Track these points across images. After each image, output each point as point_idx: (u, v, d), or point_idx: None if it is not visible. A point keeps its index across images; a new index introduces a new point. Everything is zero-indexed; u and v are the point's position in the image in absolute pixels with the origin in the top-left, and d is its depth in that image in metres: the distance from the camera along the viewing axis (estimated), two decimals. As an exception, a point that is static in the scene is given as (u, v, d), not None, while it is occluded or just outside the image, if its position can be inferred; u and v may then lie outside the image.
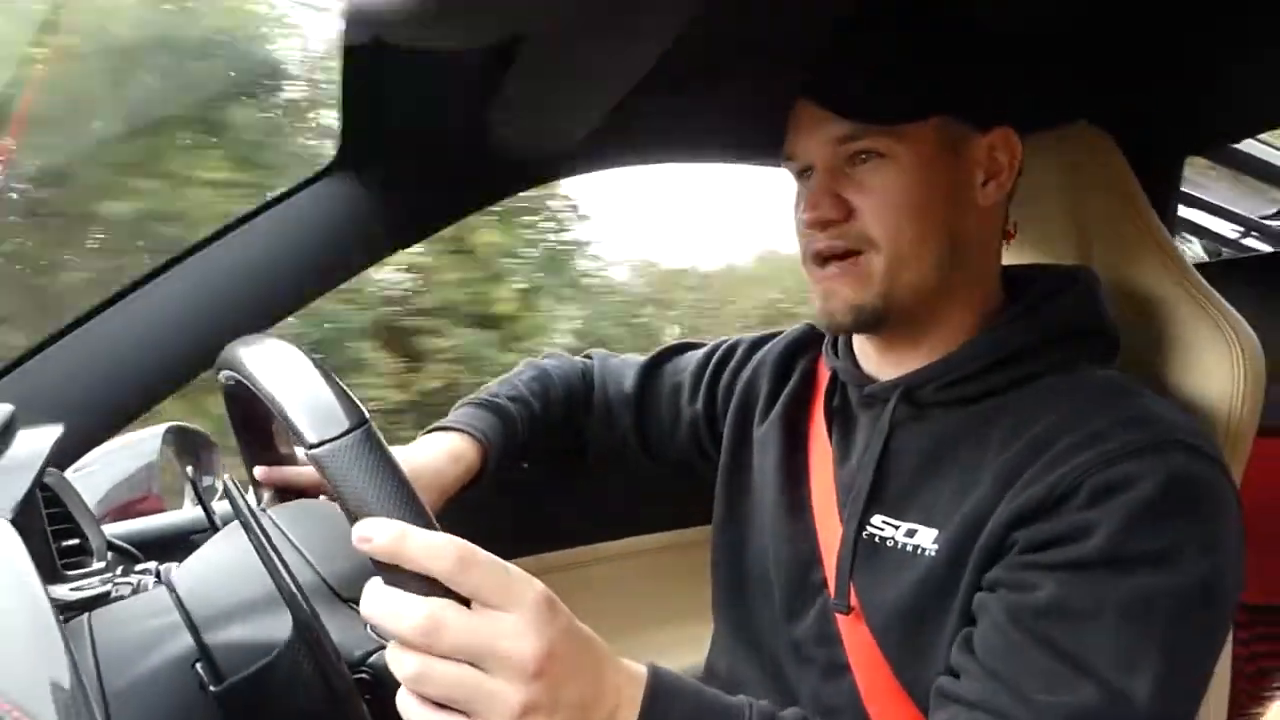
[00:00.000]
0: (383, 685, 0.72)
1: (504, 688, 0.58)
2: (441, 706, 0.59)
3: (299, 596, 0.70)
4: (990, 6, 0.94)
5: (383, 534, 0.56)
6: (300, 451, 0.83)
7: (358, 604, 0.60)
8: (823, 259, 0.91)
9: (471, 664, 0.58)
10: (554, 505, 1.51)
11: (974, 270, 0.93)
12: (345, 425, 0.60)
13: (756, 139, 0.99)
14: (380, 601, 0.58)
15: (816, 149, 0.91)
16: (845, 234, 0.89)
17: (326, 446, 0.60)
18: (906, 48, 0.90)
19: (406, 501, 0.59)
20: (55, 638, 0.52)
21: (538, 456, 1.28)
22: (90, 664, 0.72)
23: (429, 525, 0.58)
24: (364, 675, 0.75)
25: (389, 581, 0.58)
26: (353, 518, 0.58)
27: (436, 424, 1.16)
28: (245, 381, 0.69)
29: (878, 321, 0.92)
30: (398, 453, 0.86)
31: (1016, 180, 0.94)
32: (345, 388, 0.64)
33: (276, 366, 0.67)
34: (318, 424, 0.61)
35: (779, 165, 0.98)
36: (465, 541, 0.58)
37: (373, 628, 0.76)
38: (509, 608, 0.59)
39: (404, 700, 0.60)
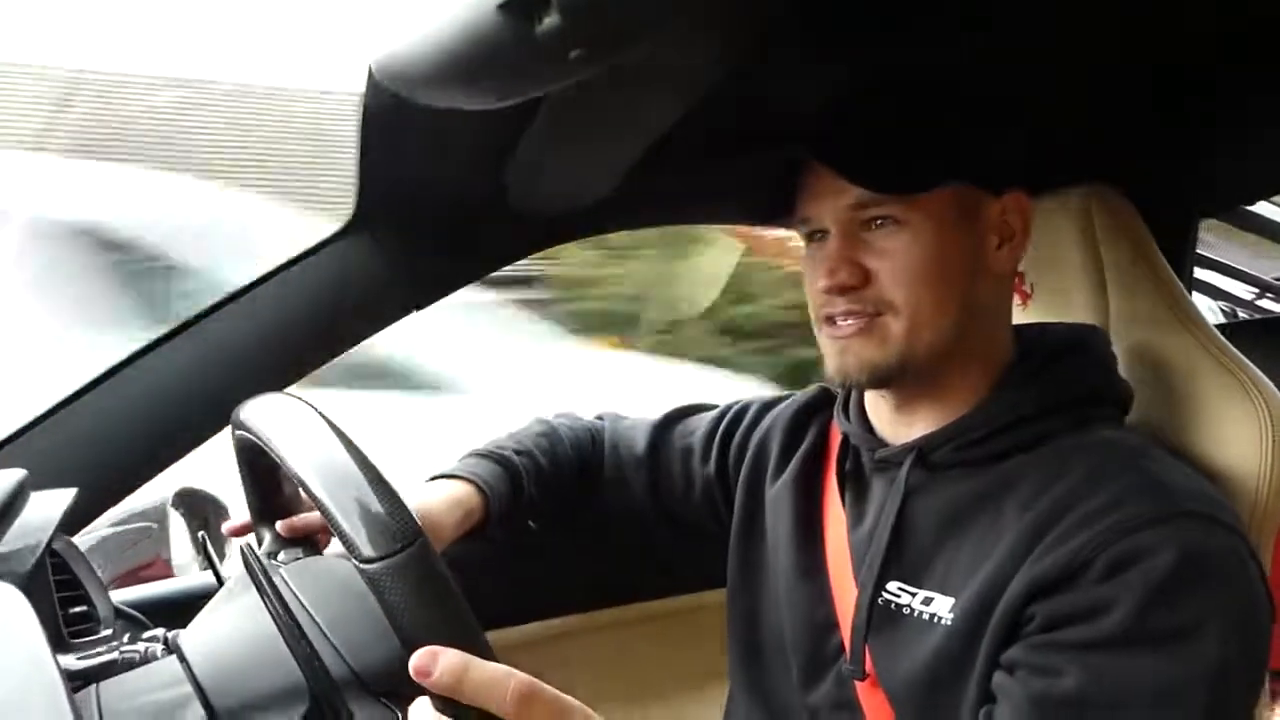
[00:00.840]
0: None
1: None
2: None
3: (332, 688, 0.67)
4: (1000, 73, 0.95)
5: (443, 667, 0.54)
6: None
7: (389, 698, 0.57)
8: (834, 320, 0.91)
9: None
10: (565, 569, 1.49)
11: (986, 333, 0.93)
12: (402, 541, 0.58)
13: (770, 201, 0.99)
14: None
15: (831, 213, 0.91)
16: (863, 299, 0.89)
17: (381, 564, 0.57)
18: (921, 115, 0.90)
19: (464, 628, 0.57)
20: (66, 713, 0.50)
21: (546, 518, 1.27)
22: None
23: (484, 649, 0.57)
24: None
25: (440, 709, 0.56)
26: (407, 641, 0.56)
27: (438, 473, 1.14)
28: (292, 476, 0.66)
29: (892, 380, 0.92)
30: None
31: (1027, 242, 0.94)
32: (397, 493, 0.62)
33: (325, 463, 0.65)
34: (372, 537, 0.59)
35: (791, 227, 0.98)
36: (526, 676, 0.56)
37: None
38: None
39: None
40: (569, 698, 0.57)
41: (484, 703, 0.54)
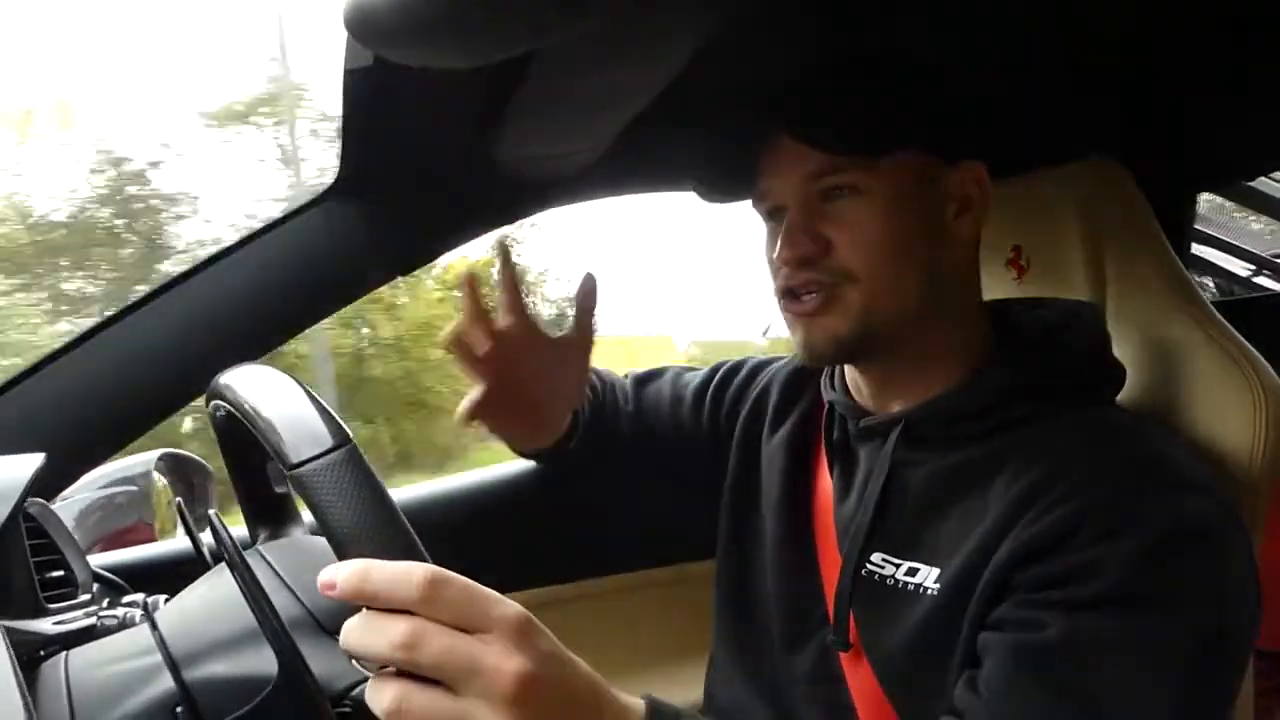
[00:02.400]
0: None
1: (485, 713, 0.55)
2: None
3: (279, 628, 0.67)
4: (988, 42, 0.93)
5: (344, 576, 0.54)
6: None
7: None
8: (795, 294, 0.91)
9: (451, 692, 0.55)
10: (550, 539, 1.49)
11: (955, 303, 0.93)
12: (327, 445, 0.59)
13: (733, 177, 0.99)
14: (358, 627, 0.56)
15: (789, 187, 0.91)
16: (822, 269, 0.89)
17: (307, 466, 0.58)
18: (879, 82, 0.90)
19: (389, 522, 0.57)
20: (10, 686, 0.49)
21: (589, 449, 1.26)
22: (64, 707, 0.69)
23: (411, 547, 0.57)
24: (345, 710, 0.73)
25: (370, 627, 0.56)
26: (334, 540, 0.56)
27: None
28: (230, 405, 0.67)
29: (858, 352, 0.92)
30: None
31: (986, 214, 0.94)
32: (329, 409, 0.62)
33: (259, 389, 0.66)
34: (298, 443, 0.59)
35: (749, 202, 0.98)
36: (434, 566, 0.56)
37: (354, 659, 0.74)
38: (487, 629, 0.56)
39: None
40: (485, 589, 0.57)
41: (391, 600, 0.54)
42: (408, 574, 0.55)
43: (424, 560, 0.56)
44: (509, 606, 0.58)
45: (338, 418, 0.61)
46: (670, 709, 0.67)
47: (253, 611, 0.69)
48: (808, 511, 1.03)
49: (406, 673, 0.55)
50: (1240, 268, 2.32)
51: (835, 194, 0.89)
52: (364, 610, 0.56)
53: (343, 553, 0.56)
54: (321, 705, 0.68)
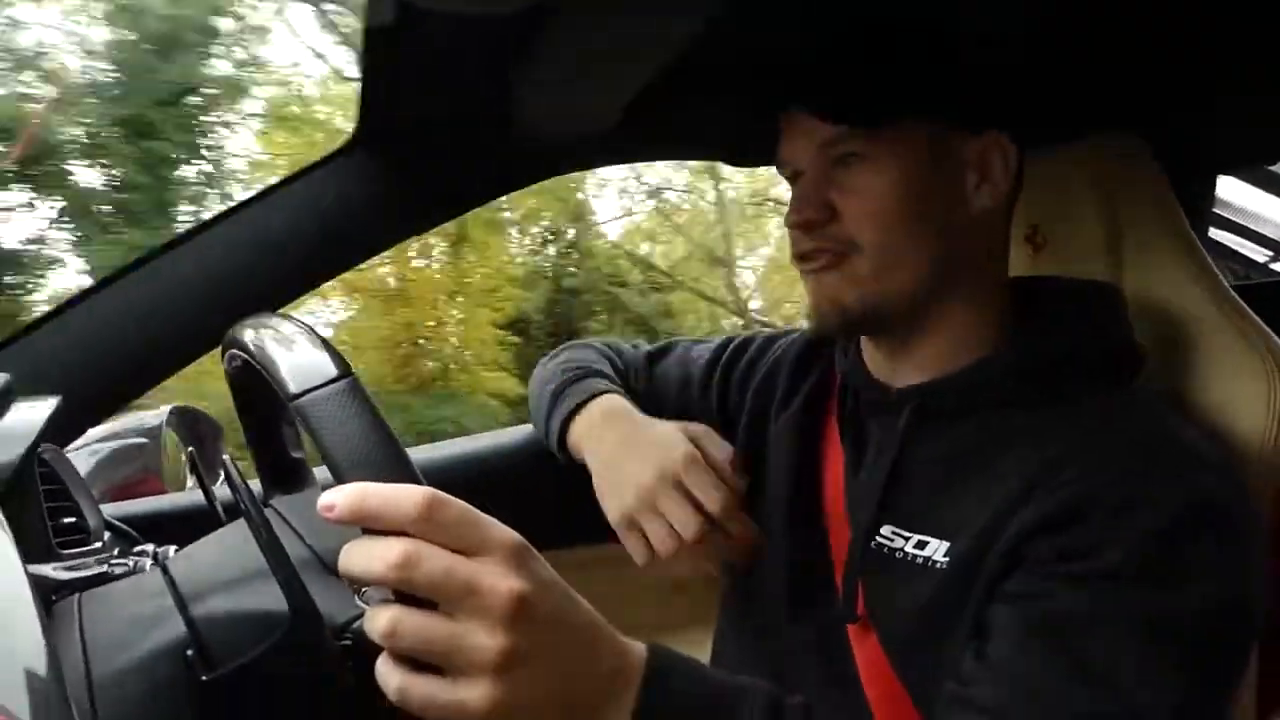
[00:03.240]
0: (364, 652, 0.70)
1: (480, 633, 0.56)
2: (419, 670, 0.57)
3: (289, 573, 0.69)
4: (1011, 11, 0.92)
5: (343, 497, 0.55)
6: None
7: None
8: (806, 258, 0.91)
9: (448, 613, 0.56)
10: (554, 504, 1.48)
11: (974, 277, 0.92)
12: (328, 376, 0.60)
13: (762, 142, 0.99)
14: (355, 549, 0.57)
15: (804, 154, 0.91)
16: (829, 235, 0.89)
17: (308, 397, 0.59)
18: (888, 50, 0.90)
19: (388, 449, 0.58)
20: (34, 624, 0.49)
21: None
22: (77, 648, 0.70)
23: (412, 476, 0.57)
24: (347, 642, 0.74)
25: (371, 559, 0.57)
26: (335, 468, 0.57)
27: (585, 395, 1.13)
28: (239, 351, 0.68)
29: (867, 324, 0.92)
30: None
31: (1018, 188, 0.93)
32: (330, 343, 0.63)
33: (266, 330, 0.67)
34: (300, 375, 0.60)
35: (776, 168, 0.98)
36: (432, 489, 0.56)
37: (357, 590, 0.76)
38: (483, 552, 0.57)
39: (382, 666, 0.58)
40: (481, 513, 0.58)
41: (389, 519, 0.55)
42: (406, 494, 0.56)
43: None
44: (506, 531, 0.59)
45: (339, 352, 0.63)
46: (672, 653, 0.67)
47: (260, 548, 0.70)
48: (817, 484, 1.02)
49: (403, 598, 0.56)
50: (1258, 253, 2.30)
51: (846, 161, 0.88)
52: (361, 534, 0.57)
53: (342, 480, 0.57)
54: (326, 639, 0.70)
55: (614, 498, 1.00)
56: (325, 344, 0.63)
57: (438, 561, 0.55)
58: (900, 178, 0.87)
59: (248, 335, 0.68)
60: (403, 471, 0.57)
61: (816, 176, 0.90)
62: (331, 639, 0.70)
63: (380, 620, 0.56)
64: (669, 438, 1.00)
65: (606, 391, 1.13)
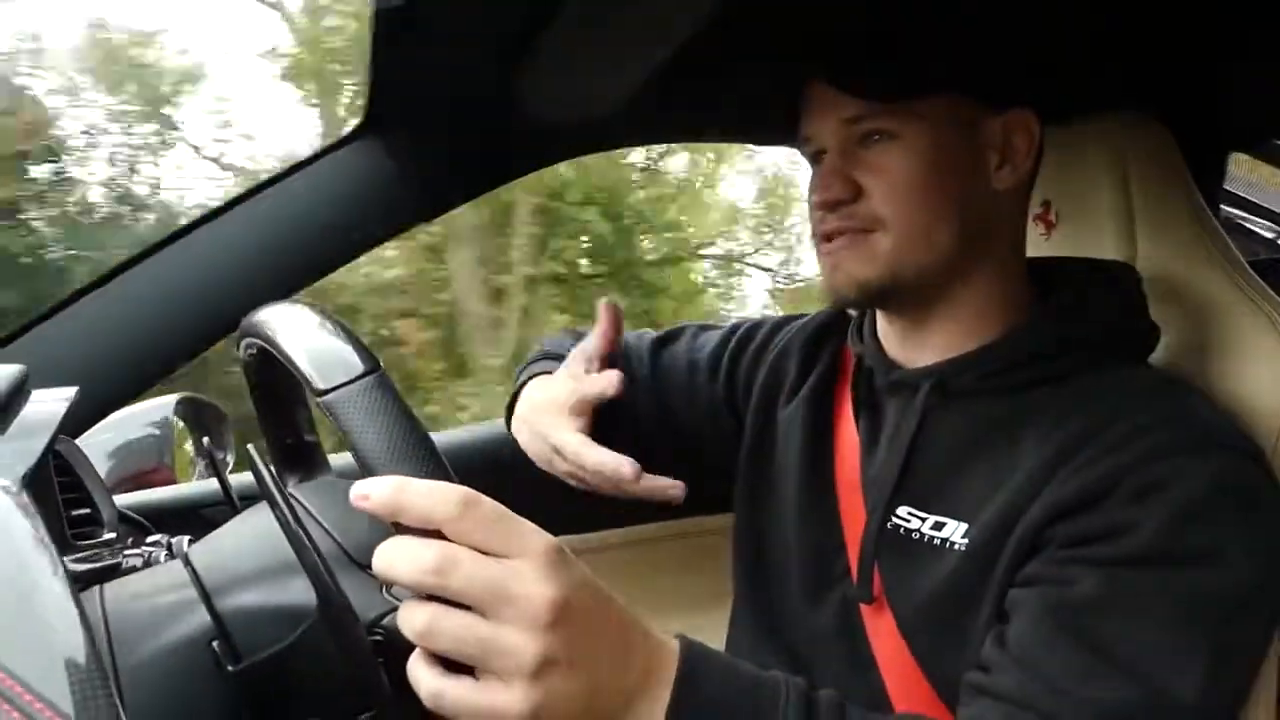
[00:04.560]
0: (395, 648, 0.69)
1: (517, 638, 0.55)
2: (453, 670, 0.57)
3: (318, 559, 0.68)
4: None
5: (379, 488, 0.55)
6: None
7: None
8: (829, 238, 0.91)
9: (483, 616, 0.56)
10: (568, 490, 1.48)
11: (993, 255, 0.91)
12: (357, 371, 0.59)
13: (777, 122, 0.99)
14: (390, 550, 0.56)
15: (827, 131, 0.90)
16: (854, 214, 0.88)
17: (336, 393, 0.58)
18: (914, 25, 0.89)
19: (420, 445, 0.57)
20: (72, 615, 0.49)
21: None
22: (103, 639, 0.70)
23: (444, 473, 0.57)
24: (378, 637, 0.74)
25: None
26: (365, 464, 0.56)
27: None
28: (260, 340, 0.67)
29: (884, 299, 0.91)
30: None
31: (1037, 165, 0.92)
32: (358, 337, 0.63)
33: (289, 321, 0.66)
34: (327, 370, 0.59)
35: (797, 147, 0.98)
36: (469, 489, 0.56)
37: (385, 586, 0.75)
38: (518, 554, 0.56)
39: (415, 666, 0.58)
40: (517, 515, 0.58)
41: (424, 516, 0.54)
42: (443, 492, 0.55)
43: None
44: (540, 533, 0.58)
45: (366, 345, 0.62)
46: (704, 649, 0.67)
47: (290, 541, 0.69)
48: (830, 465, 1.02)
49: (438, 598, 0.55)
50: (1266, 228, 2.29)
51: (872, 139, 0.88)
52: (395, 536, 0.56)
53: (373, 476, 0.56)
54: (358, 633, 0.68)
55: None
56: (351, 336, 0.63)
57: (471, 568, 0.55)
58: (928, 156, 0.86)
59: (269, 325, 0.67)
60: (437, 468, 0.57)
61: (843, 154, 0.89)
62: (362, 632, 0.69)
63: (417, 619, 0.55)
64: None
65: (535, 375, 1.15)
